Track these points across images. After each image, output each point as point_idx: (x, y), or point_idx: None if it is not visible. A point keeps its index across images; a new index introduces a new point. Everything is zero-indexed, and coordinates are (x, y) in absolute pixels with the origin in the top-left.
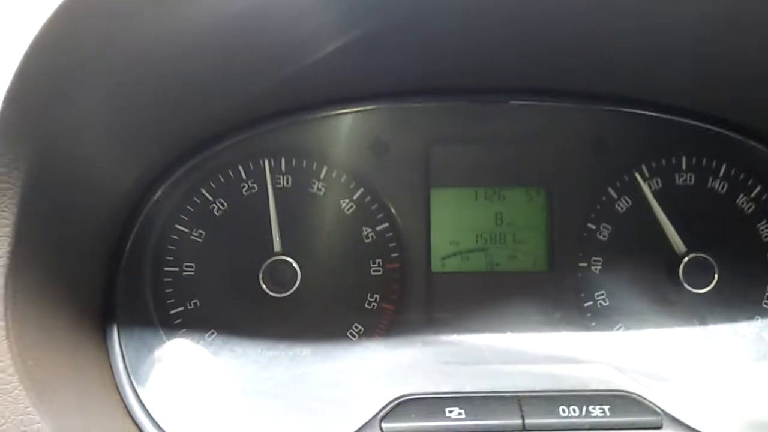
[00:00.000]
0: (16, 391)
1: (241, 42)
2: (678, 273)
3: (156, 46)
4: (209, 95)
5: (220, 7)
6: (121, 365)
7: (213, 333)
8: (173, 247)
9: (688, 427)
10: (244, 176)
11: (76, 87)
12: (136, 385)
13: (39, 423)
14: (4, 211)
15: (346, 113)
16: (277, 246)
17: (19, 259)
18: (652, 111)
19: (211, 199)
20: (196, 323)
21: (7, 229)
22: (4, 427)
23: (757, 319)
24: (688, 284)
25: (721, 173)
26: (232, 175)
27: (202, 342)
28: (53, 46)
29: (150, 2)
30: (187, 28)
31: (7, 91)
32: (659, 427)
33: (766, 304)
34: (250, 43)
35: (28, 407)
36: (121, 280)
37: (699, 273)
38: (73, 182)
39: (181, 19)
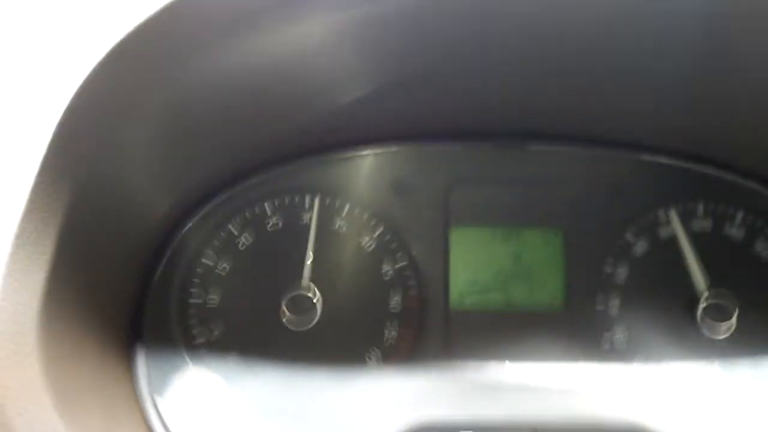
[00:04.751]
0: (45, 404)
1: (278, 87)
2: (696, 317)
3: (198, 89)
4: (242, 135)
5: (260, 54)
6: (145, 387)
7: (234, 357)
8: (198, 280)
9: None
10: (269, 213)
11: (121, 122)
12: (158, 404)
13: None
14: (46, 239)
15: (370, 154)
16: (305, 280)
17: (56, 282)
18: (669, 158)
19: (236, 233)
20: (219, 350)
21: (46, 256)
22: None
23: None
24: (706, 329)
25: (738, 220)
26: (257, 211)
27: (223, 366)
28: (104, 84)
29: (200, 48)
30: (229, 72)
31: (57, 125)
32: None
33: None
34: (286, 87)
35: (55, 420)
36: (148, 309)
37: (716, 317)
38: (110, 212)
39: (227, 64)
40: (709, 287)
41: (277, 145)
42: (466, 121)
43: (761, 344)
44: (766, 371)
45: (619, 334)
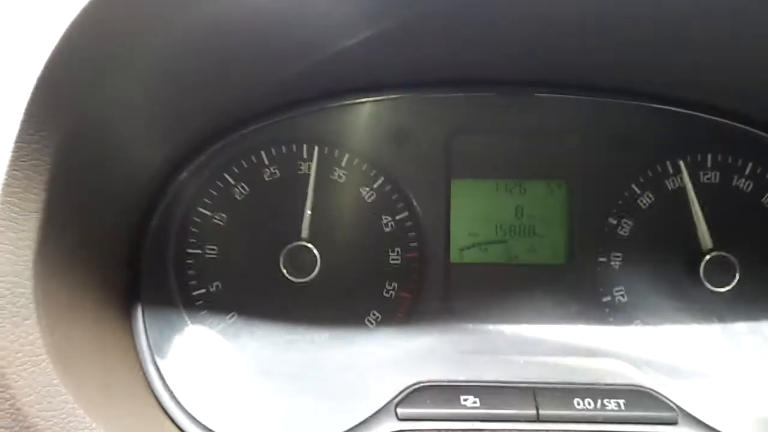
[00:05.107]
0: (44, 364)
1: (273, 30)
2: (699, 271)
3: (191, 32)
4: (237, 81)
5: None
6: (144, 343)
7: (234, 315)
8: (196, 230)
9: (703, 424)
10: (266, 162)
11: (110, 69)
12: (158, 363)
13: (65, 395)
14: (35, 188)
15: (369, 102)
16: (305, 231)
17: (48, 236)
18: (677, 107)
19: (233, 183)
20: (218, 305)
21: (38, 206)
22: (31, 398)
23: None
24: (709, 282)
25: (747, 171)
26: (254, 160)
27: (222, 324)
28: (90, 28)
29: None
30: (223, 15)
31: (41, 72)
32: (674, 423)
33: None
34: (282, 31)
35: (55, 379)
36: (145, 261)
37: (720, 271)
38: (101, 162)
39: (219, 6)
40: (714, 240)
41: (274, 92)
42: (469, 69)
43: (763, 298)
44: (766, 327)
45: (622, 288)
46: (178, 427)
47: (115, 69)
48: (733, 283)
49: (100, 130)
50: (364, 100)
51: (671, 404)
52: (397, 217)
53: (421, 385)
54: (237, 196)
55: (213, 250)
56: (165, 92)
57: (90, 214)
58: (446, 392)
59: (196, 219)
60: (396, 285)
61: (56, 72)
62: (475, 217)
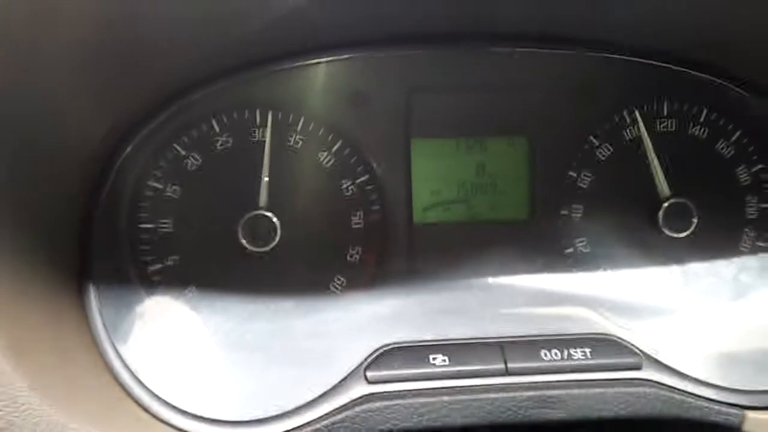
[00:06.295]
0: None
1: None
2: (658, 218)
3: None
4: (179, 44)
5: None
6: (99, 323)
7: (192, 289)
8: (147, 204)
9: (666, 366)
10: (217, 130)
11: (38, 37)
12: (115, 343)
13: (19, 383)
14: None
15: (323, 63)
16: (262, 200)
17: None
18: (632, 56)
19: (184, 153)
20: (175, 279)
21: None
22: None
23: (735, 261)
24: (668, 229)
25: (702, 119)
26: (205, 128)
27: (181, 298)
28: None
29: None
30: None
31: None
32: (639, 368)
33: (743, 247)
34: None
35: (6, 367)
36: (95, 239)
37: (678, 218)
38: (41, 137)
39: None
40: (672, 188)
41: (222, 55)
42: (425, 25)
43: (720, 241)
44: (724, 268)
45: (584, 239)
46: (141, 407)
47: (44, 36)
48: (691, 229)
49: (35, 103)
50: (317, 61)
51: (635, 350)
52: (358, 181)
53: (390, 347)
54: (189, 167)
55: (167, 224)
56: (102, 57)
57: (32, 194)
58: (415, 352)
59: (147, 193)
60: (360, 249)
61: None
62: (437, 176)
